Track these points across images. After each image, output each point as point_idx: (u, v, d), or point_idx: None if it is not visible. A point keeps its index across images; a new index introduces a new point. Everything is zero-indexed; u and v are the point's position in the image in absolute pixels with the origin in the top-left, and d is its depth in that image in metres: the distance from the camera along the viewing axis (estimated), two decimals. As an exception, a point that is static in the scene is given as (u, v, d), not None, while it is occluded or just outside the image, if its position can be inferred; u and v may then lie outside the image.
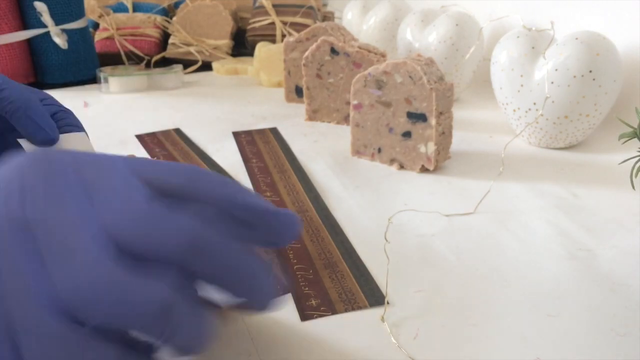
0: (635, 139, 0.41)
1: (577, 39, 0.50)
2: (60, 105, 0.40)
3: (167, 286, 0.19)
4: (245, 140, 0.58)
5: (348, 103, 0.62)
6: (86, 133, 0.40)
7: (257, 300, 0.22)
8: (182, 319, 0.19)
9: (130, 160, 0.22)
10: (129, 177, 0.21)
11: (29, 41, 0.81)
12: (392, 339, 0.29)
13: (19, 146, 0.36)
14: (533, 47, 0.53)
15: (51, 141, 0.36)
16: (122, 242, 0.19)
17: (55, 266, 0.18)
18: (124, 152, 0.56)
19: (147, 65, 0.92)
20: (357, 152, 0.54)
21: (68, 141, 0.37)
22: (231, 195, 0.21)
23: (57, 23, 0.80)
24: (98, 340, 0.18)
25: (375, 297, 0.32)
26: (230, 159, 0.53)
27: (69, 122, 0.38)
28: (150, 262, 0.19)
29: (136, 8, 1.02)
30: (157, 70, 0.82)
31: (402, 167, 0.51)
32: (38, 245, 0.18)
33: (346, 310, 0.31)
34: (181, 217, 0.20)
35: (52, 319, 0.17)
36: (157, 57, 0.94)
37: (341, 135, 0.59)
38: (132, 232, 0.19)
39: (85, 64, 0.85)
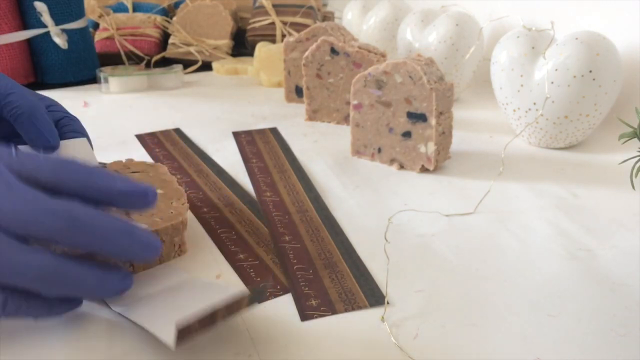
0: (635, 139, 0.41)
1: (577, 39, 0.50)
2: (66, 112, 0.40)
3: (48, 254, 0.26)
4: (245, 140, 0.58)
5: (348, 103, 0.62)
6: (89, 139, 0.40)
7: (135, 254, 0.28)
8: (57, 280, 0.26)
9: (3, 152, 0.27)
10: (4, 171, 0.26)
11: (29, 41, 0.81)
12: (392, 339, 0.29)
13: None
14: (533, 47, 0.53)
15: (51, 148, 0.36)
16: (5, 225, 0.25)
17: None
18: (125, 151, 0.56)
19: (147, 65, 0.92)
20: (357, 152, 0.54)
21: (68, 147, 0.38)
22: (91, 181, 0.27)
23: (57, 23, 0.80)
24: None
25: (375, 297, 0.32)
26: (230, 159, 0.53)
27: (73, 129, 0.39)
28: (33, 239, 0.26)
29: (136, 8, 1.02)
30: (157, 70, 0.82)
31: (402, 167, 0.51)
32: None
33: (346, 310, 0.31)
34: (56, 201, 0.26)
35: None
36: (157, 57, 0.94)
37: (341, 135, 0.59)
38: (13, 216, 0.25)
39: (85, 64, 0.85)
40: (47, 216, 0.25)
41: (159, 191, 0.36)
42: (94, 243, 0.26)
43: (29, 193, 0.26)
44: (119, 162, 0.38)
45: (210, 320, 0.26)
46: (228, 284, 0.31)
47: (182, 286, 0.31)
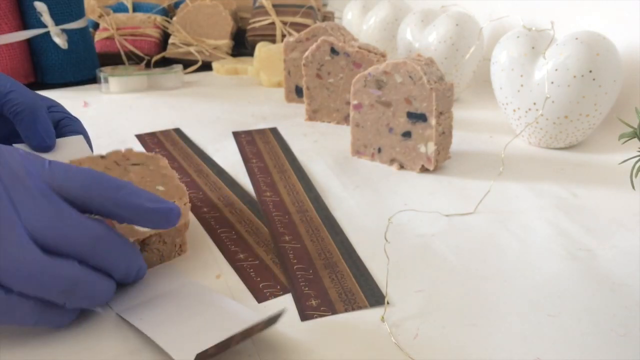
0: (635, 139, 0.41)
1: (577, 39, 0.50)
2: (67, 113, 0.40)
3: (74, 266, 0.26)
4: (245, 140, 0.58)
5: (348, 103, 0.62)
6: (88, 138, 0.40)
7: (128, 277, 0.30)
8: (87, 288, 0.27)
9: (37, 165, 0.28)
10: (40, 184, 0.27)
11: (29, 41, 0.81)
12: (392, 339, 0.29)
13: None
14: (533, 47, 0.53)
15: (46, 148, 0.37)
16: (40, 237, 0.26)
17: None
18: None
19: (147, 65, 0.92)
20: (357, 152, 0.54)
21: (64, 145, 0.37)
22: (120, 198, 0.28)
23: (57, 23, 0.80)
24: (21, 300, 0.26)
25: (375, 297, 0.32)
26: (230, 159, 0.53)
27: (73, 129, 0.39)
28: (61, 252, 0.26)
29: (136, 8, 1.02)
30: (157, 70, 0.82)
31: (402, 167, 0.51)
32: None
33: (346, 310, 0.31)
34: (85, 220, 0.27)
35: None
36: (157, 57, 0.94)
37: (341, 135, 0.59)
38: (47, 230, 0.26)
39: (85, 64, 0.85)
40: (77, 232, 0.26)
41: (159, 188, 0.36)
42: (109, 265, 0.28)
43: (63, 207, 0.27)
44: (117, 152, 0.37)
45: (225, 345, 0.26)
46: (243, 306, 0.29)
47: (189, 293, 0.31)
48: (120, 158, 0.38)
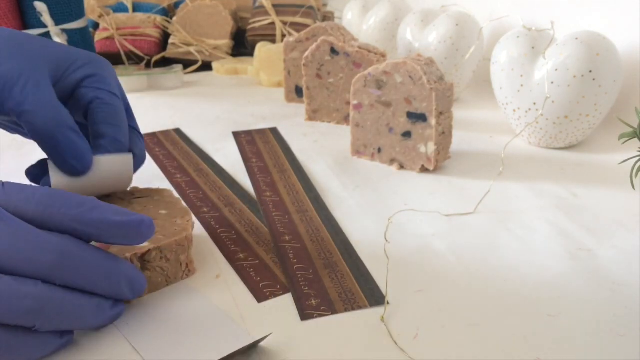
0: (635, 139, 0.41)
1: (577, 39, 0.50)
2: (104, 88, 0.33)
3: (36, 284, 0.24)
4: (245, 140, 0.58)
5: (348, 103, 0.62)
6: (136, 143, 0.36)
7: (117, 293, 0.28)
8: (57, 307, 0.25)
9: None
10: None
11: (29, 41, 0.81)
12: (392, 339, 0.29)
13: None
14: (533, 47, 0.53)
15: (80, 172, 0.32)
16: None
17: None
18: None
19: (147, 65, 0.92)
20: (357, 152, 0.54)
21: (102, 166, 0.33)
22: (81, 215, 0.26)
23: (57, 23, 0.80)
24: None
25: (375, 297, 0.32)
26: (230, 159, 0.53)
27: (103, 120, 0.33)
28: (23, 273, 0.24)
29: (136, 8, 1.02)
30: (157, 70, 0.82)
31: (402, 167, 0.51)
32: None
33: (346, 310, 0.31)
34: (47, 235, 0.25)
35: None
36: (157, 57, 0.94)
37: (341, 135, 0.59)
38: (4, 252, 0.24)
39: (85, 64, 0.85)
40: (36, 251, 0.24)
41: (162, 212, 0.35)
42: (82, 280, 0.26)
43: (20, 226, 0.25)
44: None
45: None
46: (240, 326, 0.30)
47: (192, 317, 0.30)
48: (125, 194, 0.37)
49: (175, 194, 0.38)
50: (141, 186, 0.39)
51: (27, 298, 0.24)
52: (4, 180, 0.27)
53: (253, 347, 0.28)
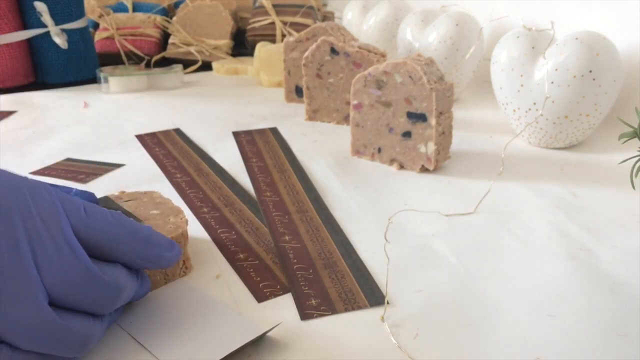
0: (635, 139, 0.40)
1: (577, 39, 0.50)
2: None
3: (88, 322, 0.25)
4: (245, 140, 0.58)
5: (348, 103, 0.62)
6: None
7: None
8: (97, 339, 0.26)
9: (73, 210, 0.26)
10: (70, 237, 0.25)
11: (29, 41, 0.81)
12: (392, 339, 0.29)
13: None
14: (533, 47, 0.53)
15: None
16: (59, 295, 0.24)
17: (5, 309, 0.23)
18: (124, 151, 0.56)
19: (147, 65, 0.92)
20: (357, 152, 0.54)
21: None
22: (143, 253, 0.28)
23: (57, 23, 0.80)
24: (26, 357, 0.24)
25: (375, 297, 0.32)
26: (230, 159, 0.53)
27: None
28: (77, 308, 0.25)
29: (136, 8, 1.02)
30: (157, 70, 0.82)
31: (402, 167, 0.51)
32: None
33: (346, 310, 0.31)
34: (108, 279, 0.25)
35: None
36: (157, 57, 0.94)
37: (341, 135, 0.59)
38: (69, 290, 0.24)
39: (85, 64, 0.85)
40: (100, 292, 0.25)
41: (154, 212, 0.35)
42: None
43: (90, 266, 0.25)
44: (111, 195, 0.37)
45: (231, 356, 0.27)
46: (242, 319, 0.30)
47: (197, 313, 0.31)
48: (115, 198, 0.37)
49: (165, 195, 0.38)
50: (141, 186, 0.39)
51: (76, 337, 0.25)
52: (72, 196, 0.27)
53: (261, 338, 0.28)
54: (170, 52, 0.94)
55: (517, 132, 0.56)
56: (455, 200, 0.45)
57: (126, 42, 0.93)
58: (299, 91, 0.71)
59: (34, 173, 0.51)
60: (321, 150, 0.56)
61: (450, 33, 0.65)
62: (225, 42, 0.96)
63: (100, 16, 0.98)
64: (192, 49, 0.93)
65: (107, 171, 0.51)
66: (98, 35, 0.94)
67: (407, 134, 0.49)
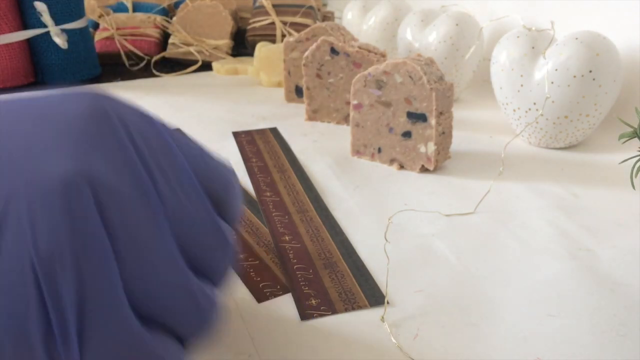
0: (636, 139, 0.41)
1: (577, 39, 0.50)
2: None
3: (173, 345, 0.22)
4: (245, 140, 0.58)
5: (348, 103, 0.62)
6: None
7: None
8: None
9: (189, 154, 0.24)
10: (195, 184, 0.23)
11: (29, 41, 0.81)
12: (392, 339, 0.29)
13: None
14: (533, 47, 0.53)
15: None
16: (140, 306, 0.20)
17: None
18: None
19: (147, 65, 0.92)
20: (357, 152, 0.54)
21: None
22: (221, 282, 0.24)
23: (57, 23, 0.80)
24: None
25: (375, 297, 0.32)
26: (230, 159, 0.53)
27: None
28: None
29: (136, 8, 1.02)
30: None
31: (402, 167, 0.51)
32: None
33: (346, 310, 0.31)
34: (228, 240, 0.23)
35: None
36: (157, 57, 0.94)
37: (341, 135, 0.59)
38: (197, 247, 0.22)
39: (85, 64, 0.85)
40: (188, 301, 0.22)
41: None
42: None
43: (193, 280, 0.22)
44: None
45: None
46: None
47: None
48: None
49: None
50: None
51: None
52: None
53: None
54: (170, 52, 0.94)
55: (517, 132, 0.56)
56: (455, 200, 0.45)
57: (126, 42, 0.93)
58: (299, 91, 0.71)
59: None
60: (321, 150, 0.56)
61: (450, 33, 0.65)
62: (225, 42, 0.96)
63: (100, 16, 0.98)
64: (192, 49, 0.93)
65: (107, 171, 0.51)
66: (98, 35, 0.94)
67: (407, 134, 0.49)
